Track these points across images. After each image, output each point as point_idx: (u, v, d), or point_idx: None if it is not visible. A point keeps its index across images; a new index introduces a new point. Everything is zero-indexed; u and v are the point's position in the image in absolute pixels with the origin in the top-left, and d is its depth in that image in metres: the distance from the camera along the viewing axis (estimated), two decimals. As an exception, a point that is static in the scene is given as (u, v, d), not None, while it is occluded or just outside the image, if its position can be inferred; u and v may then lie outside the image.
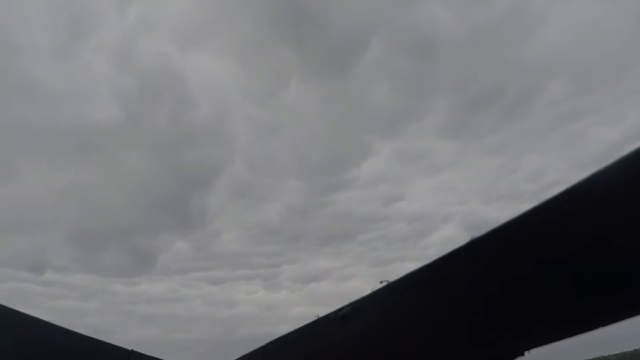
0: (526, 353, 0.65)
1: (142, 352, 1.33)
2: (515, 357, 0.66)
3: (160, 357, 1.37)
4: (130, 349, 1.32)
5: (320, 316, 0.89)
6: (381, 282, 0.77)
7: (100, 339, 1.27)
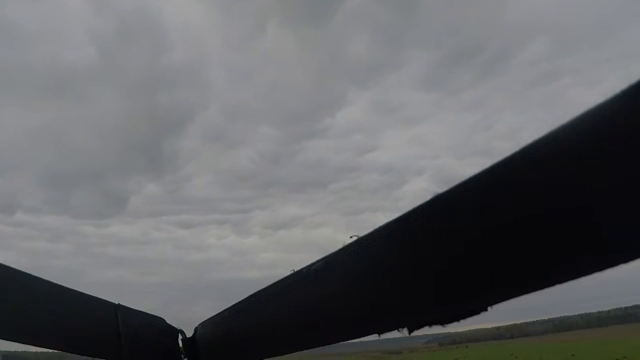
0: (489, 308, 0.66)
1: (129, 306, 1.35)
2: (480, 312, 0.67)
3: (146, 312, 1.38)
4: (117, 303, 1.33)
5: (294, 270, 0.90)
6: (351, 237, 0.77)
7: (86, 292, 1.28)
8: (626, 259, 0.48)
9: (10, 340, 1.10)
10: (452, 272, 0.64)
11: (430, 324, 0.75)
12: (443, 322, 0.73)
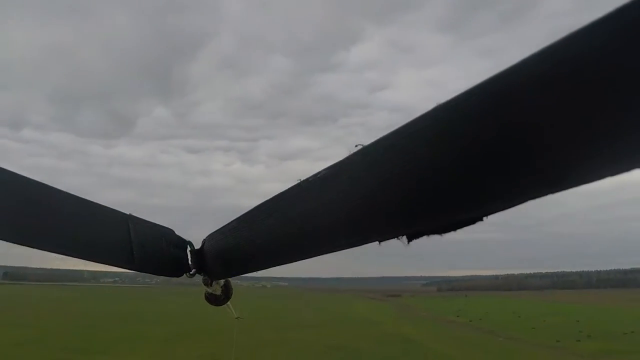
0: (485, 218, 0.69)
1: (139, 216, 1.40)
2: (475, 221, 0.70)
3: (156, 223, 1.43)
4: (128, 213, 1.38)
5: (301, 179, 0.93)
6: (356, 145, 0.80)
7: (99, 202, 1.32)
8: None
9: (26, 245, 1.14)
10: (449, 181, 0.66)
11: (428, 233, 0.79)
12: (440, 231, 0.77)
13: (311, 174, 0.90)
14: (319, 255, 0.98)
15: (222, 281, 1.51)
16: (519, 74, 0.57)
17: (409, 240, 0.82)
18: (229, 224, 1.24)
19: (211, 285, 1.48)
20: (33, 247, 1.16)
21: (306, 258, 1.00)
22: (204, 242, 1.41)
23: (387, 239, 0.83)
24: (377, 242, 0.86)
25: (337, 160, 0.83)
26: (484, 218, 0.71)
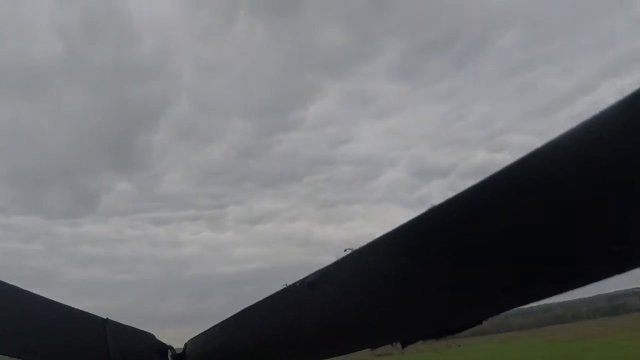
0: (484, 322, 0.66)
1: (117, 320, 1.33)
2: (474, 325, 0.67)
3: (135, 327, 1.37)
4: (105, 318, 1.32)
5: (287, 285, 0.89)
6: (345, 250, 0.77)
7: (74, 306, 1.27)
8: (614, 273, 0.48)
9: None
10: (446, 285, 0.64)
11: (424, 338, 0.75)
12: (437, 336, 0.73)
13: (298, 280, 0.86)
14: None
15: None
16: (511, 175, 0.56)
17: (403, 346, 0.78)
18: (212, 327, 1.19)
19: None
20: (3, 355, 1.12)
21: (294, 365, 0.95)
22: (185, 345, 1.35)
23: (381, 346, 0.79)
24: (370, 349, 0.82)
25: (325, 265, 0.80)
26: (483, 322, 0.68)
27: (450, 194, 0.62)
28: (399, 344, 0.77)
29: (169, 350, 1.39)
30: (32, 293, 1.18)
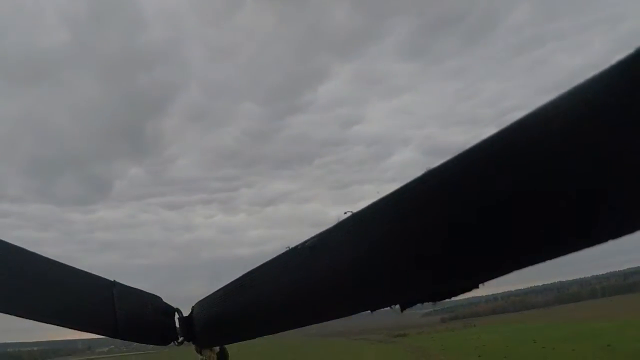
0: (480, 285, 0.66)
1: (124, 283, 1.35)
2: (471, 289, 0.67)
3: (141, 289, 1.39)
4: (112, 280, 1.34)
5: (289, 247, 0.90)
6: (345, 212, 0.77)
7: (83, 269, 1.29)
8: (607, 239, 0.48)
9: (6, 313, 1.11)
10: (443, 249, 0.64)
11: (422, 301, 0.75)
12: (435, 298, 0.74)
13: (298, 241, 0.87)
14: (311, 324, 0.94)
15: (217, 348, 1.45)
16: (505, 141, 0.56)
17: (402, 308, 0.79)
18: (217, 291, 1.21)
19: (201, 354, 1.42)
20: (13, 315, 1.14)
21: (298, 327, 0.97)
22: (192, 309, 1.37)
23: (380, 308, 0.80)
24: (369, 311, 0.83)
25: (325, 228, 0.80)
26: (479, 285, 0.68)
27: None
28: (398, 307, 0.78)
29: (175, 313, 1.41)
30: (39, 255, 1.20)
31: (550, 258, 0.55)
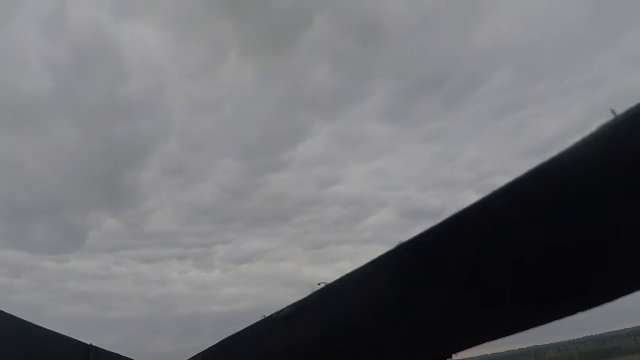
0: (454, 356, 0.68)
1: (101, 347, 1.35)
2: (445, 359, 0.69)
3: (118, 353, 1.38)
4: (89, 344, 1.33)
5: (265, 316, 0.92)
6: (319, 284, 0.81)
7: (59, 332, 1.28)
8: (607, 300, 0.51)
9: None
10: (412, 323, 0.66)
11: None
12: None
13: (274, 312, 0.89)
14: None
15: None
16: (470, 215, 0.59)
17: None
18: (195, 356, 1.21)
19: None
20: None
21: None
22: (167, 374, 1.36)
23: None
24: None
25: (300, 298, 0.84)
26: (453, 356, 0.69)
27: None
28: None
29: (151, 379, 1.40)
30: (15, 316, 1.19)
31: (535, 326, 0.57)
